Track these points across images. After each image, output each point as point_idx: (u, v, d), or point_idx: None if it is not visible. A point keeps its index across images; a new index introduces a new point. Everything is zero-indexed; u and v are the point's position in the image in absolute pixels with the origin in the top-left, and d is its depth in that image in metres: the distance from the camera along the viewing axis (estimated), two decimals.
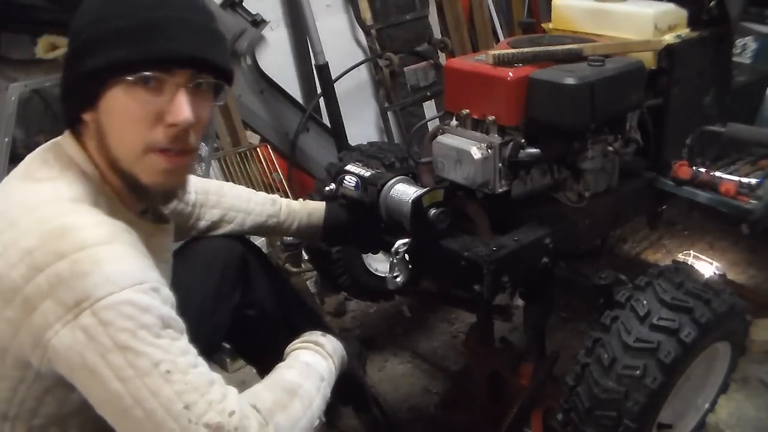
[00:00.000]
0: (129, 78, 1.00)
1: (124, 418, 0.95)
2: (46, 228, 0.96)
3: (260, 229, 1.66)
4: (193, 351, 1.00)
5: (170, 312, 0.98)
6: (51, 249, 0.94)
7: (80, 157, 1.07)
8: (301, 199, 1.74)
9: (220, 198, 1.57)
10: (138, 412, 0.93)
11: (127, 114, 1.03)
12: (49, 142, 1.13)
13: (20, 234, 0.96)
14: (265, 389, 1.11)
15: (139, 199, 1.13)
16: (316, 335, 1.29)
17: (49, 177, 1.05)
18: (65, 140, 1.10)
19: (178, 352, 0.96)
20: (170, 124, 1.03)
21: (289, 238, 1.82)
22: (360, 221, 1.71)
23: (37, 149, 1.13)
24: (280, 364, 1.22)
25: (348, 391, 1.39)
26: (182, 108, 1.03)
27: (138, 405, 0.93)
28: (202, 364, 1.00)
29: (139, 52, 1.00)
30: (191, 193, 1.50)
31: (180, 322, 1.00)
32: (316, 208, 1.71)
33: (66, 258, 0.93)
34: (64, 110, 1.10)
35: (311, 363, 1.21)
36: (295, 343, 1.28)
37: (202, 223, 1.55)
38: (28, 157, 1.11)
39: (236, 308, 1.54)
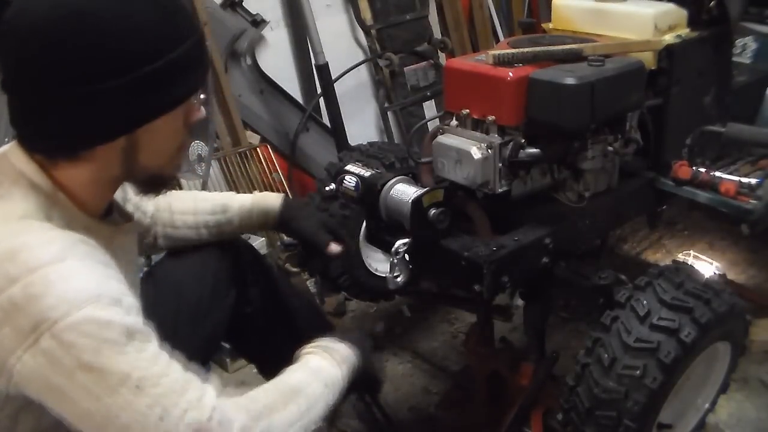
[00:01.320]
0: (194, 101, 1.07)
1: None
2: None
3: (222, 236, 1.57)
4: (163, 356, 0.96)
5: (135, 321, 0.95)
6: (2, 274, 0.90)
7: (30, 169, 1.01)
8: (256, 192, 1.67)
9: (172, 215, 1.51)
10: (112, 429, 0.91)
11: (173, 129, 1.07)
12: None
13: None
14: (265, 391, 1.09)
15: (156, 191, 1.15)
16: (329, 341, 1.25)
17: None
18: (13, 153, 1.03)
19: (147, 362, 0.93)
20: (194, 122, 1.10)
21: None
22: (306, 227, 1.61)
23: None
24: (289, 366, 1.19)
25: (364, 384, 1.35)
26: (203, 108, 1.12)
27: (111, 422, 0.90)
28: (175, 368, 0.96)
29: (202, 73, 1.07)
30: (149, 205, 1.46)
31: (146, 329, 0.96)
32: (272, 204, 1.59)
33: (18, 282, 0.89)
34: (74, 145, 1.01)
35: (318, 368, 1.18)
36: (307, 347, 1.25)
37: (161, 241, 1.51)
38: None
39: (232, 307, 1.53)
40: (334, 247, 1.55)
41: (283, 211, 1.58)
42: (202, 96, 1.11)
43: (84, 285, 0.91)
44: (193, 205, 1.54)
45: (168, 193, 1.47)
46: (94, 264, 0.96)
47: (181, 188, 2.52)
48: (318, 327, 1.58)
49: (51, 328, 0.88)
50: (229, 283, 1.54)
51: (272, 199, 1.60)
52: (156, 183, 1.14)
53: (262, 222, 1.60)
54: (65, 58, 0.94)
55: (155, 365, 0.93)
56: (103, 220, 1.13)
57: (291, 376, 1.15)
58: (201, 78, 1.08)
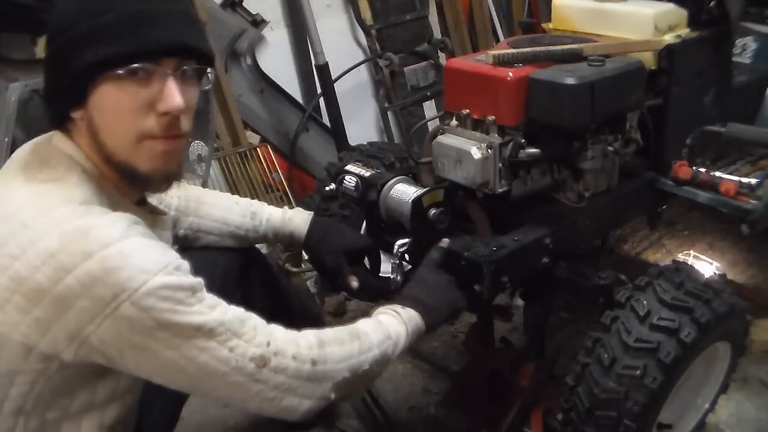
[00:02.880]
0: (119, 72, 1.04)
1: (180, 376, 1.05)
2: (65, 229, 0.99)
3: (241, 242, 1.62)
4: (218, 300, 1.08)
5: (193, 280, 1.05)
6: (76, 250, 0.97)
7: (79, 155, 1.10)
8: (286, 208, 1.68)
9: (198, 206, 1.56)
10: (192, 368, 1.04)
11: (119, 107, 1.06)
12: (37, 141, 1.15)
13: (37, 236, 0.99)
14: (335, 330, 1.22)
15: (142, 189, 1.18)
16: (398, 306, 1.35)
17: (53, 177, 1.06)
18: (58, 139, 1.11)
19: (210, 309, 1.05)
20: (163, 113, 1.07)
21: None
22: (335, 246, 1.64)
23: (25, 148, 1.14)
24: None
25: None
26: (173, 96, 1.07)
27: (191, 362, 1.03)
28: (230, 308, 1.09)
29: (127, 45, 1.04)
30: (173, 198, 1.49)
31: (200, 282, 1.07)
32: (299, 228, 1.64)
33: (93, 257, 0.97)
34: (51, 111, 1.11)
35: (384, 322, 1.29)
36: (381, 308, 1.36)
37: (181, 232, 1.54)
38: (19, 157, 1.12)
39: None
40: (353, 283, 1.59)
41: (307, 240, 1.62)
42: (171, 83, 1.07)
43: (152, 256, 1.01)
44: (226, 203, 1.59)
45: (203, 189, 1.61)
46: (151, 239, 1.06)
47: None
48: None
49: (131, 296, 0.98)
50: (236, 285, 1.55)
51: (299, 224, 1.63)
52: (133, 180, 1.13)
53: (287, 242, 1.66)
54: (60, 25, 1.06)
55: (216, 310, 1.06)
56: (140, 208, 1.20)
57: (360, 324, 1.28)
58: (128, 48, 1.04)
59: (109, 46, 1.03)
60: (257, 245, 1.72)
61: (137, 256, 0.99)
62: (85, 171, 1.09)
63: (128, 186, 1.15)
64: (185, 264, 1.06)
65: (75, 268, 0.96)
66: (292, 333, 1.15)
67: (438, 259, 1.48)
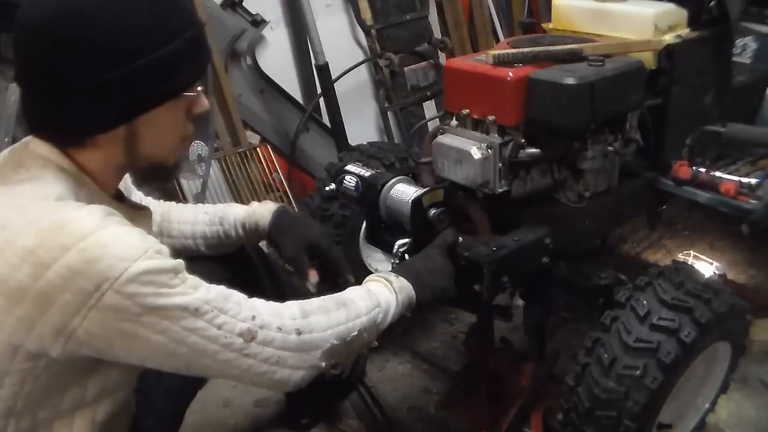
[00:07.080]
0: (190, 93, 1.12)
1: (172, 358, 1.06)
2: (41, 226, 0.99)
3: (219, 249, 1.57)
4: (200, 281, 1.08)
5: (174, 261, 1.06)
6: (54, 244, 0.97)
7: (54, 154, 1.08)
8: (254, 203, 1.62)
9: (170, 224, 1.52)
10: (183, 349, 1.04)
11: (175, 121, 1.13)
12: (14, 146, 1.14)
13: (14, 234, 0.99)
14: (321, 299, 1.24)
15: (163, 180, 1.21)
16: (391, 275, 1.35)
17: (28, 177, 1.06)
18: (33, 143, 1.10)
19: (193, 289, 1.05)
20: (198, 115, 1.16)
21: None
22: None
23: (2, 154, 1.14)
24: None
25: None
26: (206, 101, 1.17)
27: (181, 344, 1.04)
28: (212, 286, 1.09)
29: (198, 69, 1.13)
30: (156, 215, 1.44)
31: (180, 263, 1.07)
32: (263, 217, 1.57)
33: (72, 249, 0.97)
34: (73, 130, 1.08)
35: (373, 290, 1.30)
36: (372, 275, 1.37)
37: None
38: None
39: None
40: (312, 277, 1.54)
41: (271, 229, 1.56)
42: (200, 88, 1.14)
43: (131, 242, 1.01)
44: (193, 216, 1.55)
45: (169, 203, 1.56)
46: (129, 227, 1.06)
47: (181, 189, 2.53)
48: None
49: (113, 284, 0.98)
50: (243, 284, 1.53)
51: (263, 213, 1.57)
52: (157, 174, 1.18)
53: (254, 236, 1.59)
54: (65, 53, 1.01)
55: (200, 289, 1.07)
56: (120, 203, 1.19)
57: (348, 292, 1.29)
58: (197, 72, 1.12)
59: (185, 72, 1.09)
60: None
61: (115, 245, 0.99)
62: (61, 169, 1.08)
63: (152, 179, 1.20)
64: (165, 248, 1.06)
65: (54, 262, 0.96)
66: (274, 305, 1.16)
67: (451, 244, 1.50)
